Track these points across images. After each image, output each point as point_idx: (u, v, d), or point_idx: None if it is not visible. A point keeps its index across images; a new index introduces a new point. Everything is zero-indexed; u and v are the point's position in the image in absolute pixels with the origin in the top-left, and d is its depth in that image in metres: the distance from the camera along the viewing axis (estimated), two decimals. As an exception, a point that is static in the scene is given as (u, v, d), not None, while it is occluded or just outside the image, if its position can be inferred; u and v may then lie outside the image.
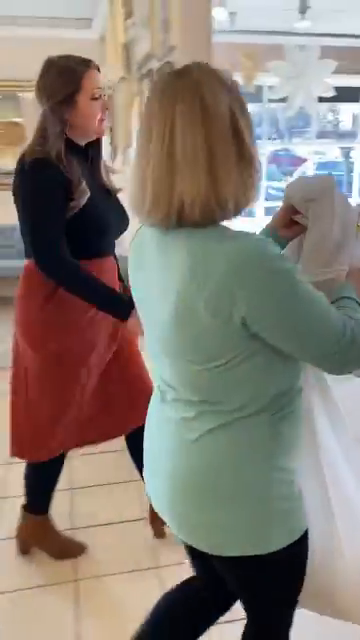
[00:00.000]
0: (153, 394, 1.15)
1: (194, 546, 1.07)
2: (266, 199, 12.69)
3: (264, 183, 12.43)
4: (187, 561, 1.28)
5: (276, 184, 12.85)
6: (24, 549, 2.06)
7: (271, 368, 0.95)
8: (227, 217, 0.91)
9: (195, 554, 1.16)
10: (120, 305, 1.70)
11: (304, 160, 12.84)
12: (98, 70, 1.72)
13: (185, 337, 0.92)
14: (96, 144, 1.81)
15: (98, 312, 1.73)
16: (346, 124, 15.12)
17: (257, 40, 5.70)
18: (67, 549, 2.07)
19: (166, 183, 0.89)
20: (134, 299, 1.10)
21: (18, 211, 1.72)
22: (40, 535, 2.05)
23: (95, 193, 1.71)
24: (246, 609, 1.18)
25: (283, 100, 5.72)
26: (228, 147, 0.88)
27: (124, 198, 1.57)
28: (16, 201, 1.72)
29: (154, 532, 2.17)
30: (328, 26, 5.57)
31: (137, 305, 1.09)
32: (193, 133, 0.87)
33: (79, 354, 1.79)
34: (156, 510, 1.13)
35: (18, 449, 1.90)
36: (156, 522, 2.13)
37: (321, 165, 16.69)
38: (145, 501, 2.32)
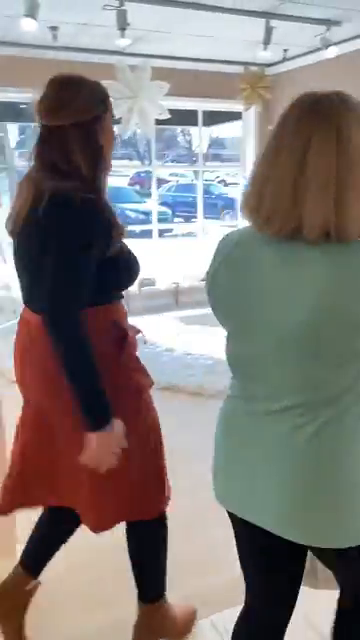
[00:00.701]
0: (233, 408, 1.16)
1: (307, 543, 1.08)
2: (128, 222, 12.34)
3: (124, 205, 12.28)
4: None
5: (135, 206, 12.76)
6: None
7: None
8: (344, 241, 0.95)
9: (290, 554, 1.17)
10: (104, 411, 1.36)
11: (166, 182, 12.96)
12: None
13: (321, 335, 0.96)
14: None
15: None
16: (202, 147, 15.37)
17: (87, 58, 5.44)
18: None
19: (286, 203, 0.95)
20: (222, 305, 1.12)
21: (31, 254, 1.41)
22: None
23: None
24: (353, 588, 1.20)
25: (118, 122, 5.50)
26: (358, 178, 0.93)
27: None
28: (32, 242, 1.39)
29: None
30: (157, 47, 5.47)
31: (228, 310, 1.11)
32: (327, 163, 0.92)
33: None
34: (258, 524, 1.11)
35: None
36: None
37: (180, 187, 16.98)
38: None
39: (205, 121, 8.74)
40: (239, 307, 1.07)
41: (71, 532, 1.70)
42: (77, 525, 1.65)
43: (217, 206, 16.05)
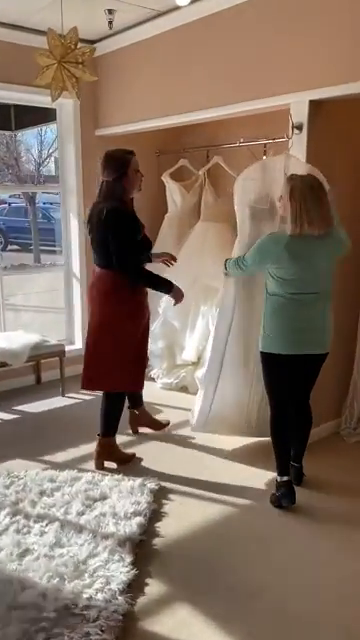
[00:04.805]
0: (291, 308, 2.74)
1: (321, 352, 2.82)
2: None
3: None
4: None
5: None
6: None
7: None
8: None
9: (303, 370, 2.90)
10: (167, 282, 3.19)
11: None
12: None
13: (329, 269, 2.75)
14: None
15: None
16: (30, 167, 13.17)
17: None
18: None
19: (327, 220, 2.65)
20: (294, 268, 2.68)
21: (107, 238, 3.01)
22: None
23: None
24: (309, 390, 2.97)
25: None
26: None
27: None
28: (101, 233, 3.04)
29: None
30: None
31: (297, 269, 2.68)
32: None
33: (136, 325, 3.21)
34: (310, 352, 2.81)
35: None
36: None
37: (13, 210, 14.69)
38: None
39: (4, 123, 6.34)
40: (302, 262, 2.65)
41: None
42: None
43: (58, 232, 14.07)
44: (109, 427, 3.26)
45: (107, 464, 3.27)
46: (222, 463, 3.36)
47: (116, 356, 3.12)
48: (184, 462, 3.36)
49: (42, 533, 2.54)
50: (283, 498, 2.79)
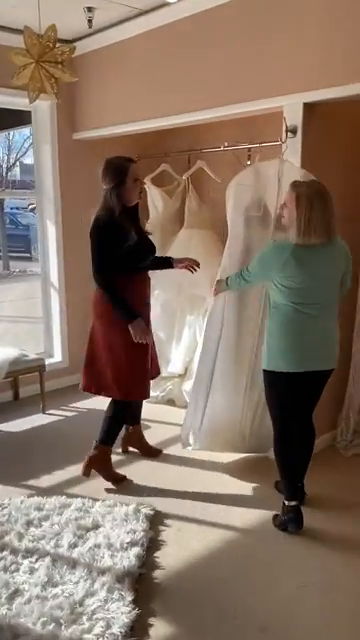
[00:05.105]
0: (300, 320, 2.58)
1: (329, 367, 2.67)
2: None
3: None
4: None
5: None
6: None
7: None
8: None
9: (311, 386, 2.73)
10: (127, 313, 2.95)
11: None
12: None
13: (333, 279, 2.60)
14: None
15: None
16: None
17: None
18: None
19: (332, 228, 2.52)
20: (300, 277, 2.52)
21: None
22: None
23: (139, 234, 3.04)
24: (314, 406, 2.81)
25: None
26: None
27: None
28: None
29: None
30: None
31: (304, 277, 2.53)
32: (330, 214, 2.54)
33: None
34: (318, 368, 2.65)
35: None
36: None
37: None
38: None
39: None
40: (308, 270, 2.51)
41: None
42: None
43: (27, 238, 13.76)
44: (109, 435, 3.14)
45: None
46: (217, 480, 3.21)
47: (113, 364, 3.05)
48: (178, 481, 3.19)
49: (32, 570, 2.34)
50: (290, 523, 2.65)
